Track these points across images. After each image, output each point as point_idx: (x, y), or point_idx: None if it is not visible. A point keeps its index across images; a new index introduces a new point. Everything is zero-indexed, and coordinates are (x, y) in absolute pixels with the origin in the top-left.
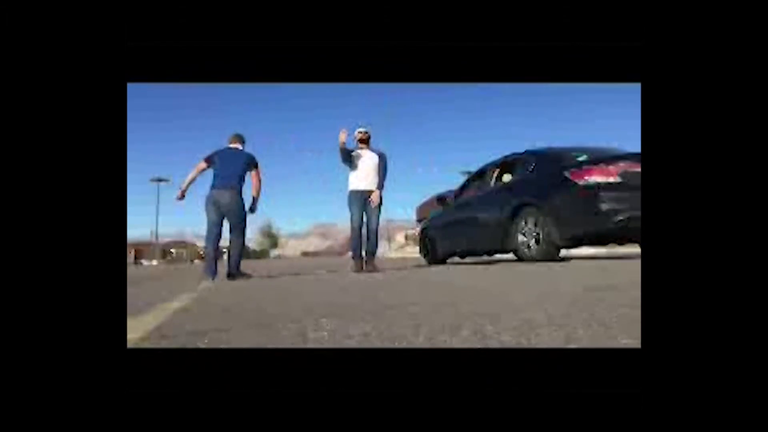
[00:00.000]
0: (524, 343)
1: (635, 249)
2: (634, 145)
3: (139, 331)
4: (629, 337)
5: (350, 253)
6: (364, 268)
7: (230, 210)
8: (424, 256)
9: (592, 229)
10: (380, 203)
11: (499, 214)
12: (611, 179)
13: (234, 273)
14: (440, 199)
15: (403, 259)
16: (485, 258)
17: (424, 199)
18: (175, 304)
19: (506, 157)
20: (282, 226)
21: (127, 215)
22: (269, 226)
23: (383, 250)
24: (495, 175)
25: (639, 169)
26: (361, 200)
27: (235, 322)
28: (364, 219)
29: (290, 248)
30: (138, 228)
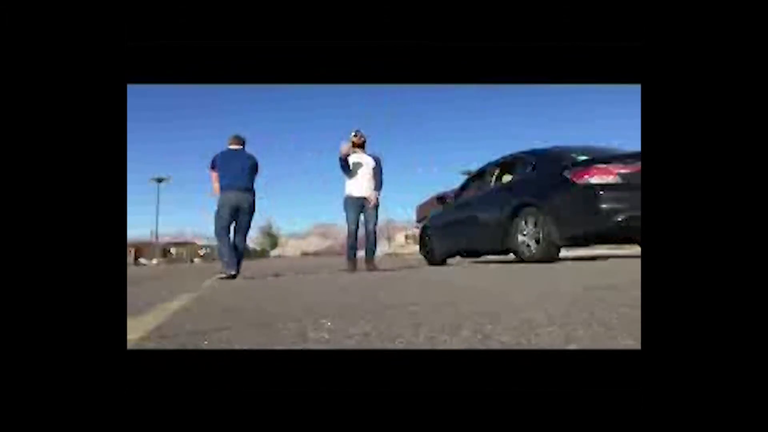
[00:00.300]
0: (524, 343)
1: (635, 249)
2: (634, 145)
3: (139, 331)
4: (629, 337)
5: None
6: (356, 268)
7: (245, 211)
8: (424, 256)
9: (592, 229)
10: (377, 205)
11: (499, 214)
12: (611, 179)
13: (234, 273)
14: (440, 199)
15: (403, 259)
16: (485, 258)
17: (424, 199)
18: (175, 304)
19: (506, 157)
20: (282, 226)
21: (127, 215)
22: (269, 226)
23: (383, 250)
24: (495, 175)
25: (639, 169)
26: (357, 204)
27: (236, 322)
28: (361, 221)
29: (290, 248)
30: (138, 228)
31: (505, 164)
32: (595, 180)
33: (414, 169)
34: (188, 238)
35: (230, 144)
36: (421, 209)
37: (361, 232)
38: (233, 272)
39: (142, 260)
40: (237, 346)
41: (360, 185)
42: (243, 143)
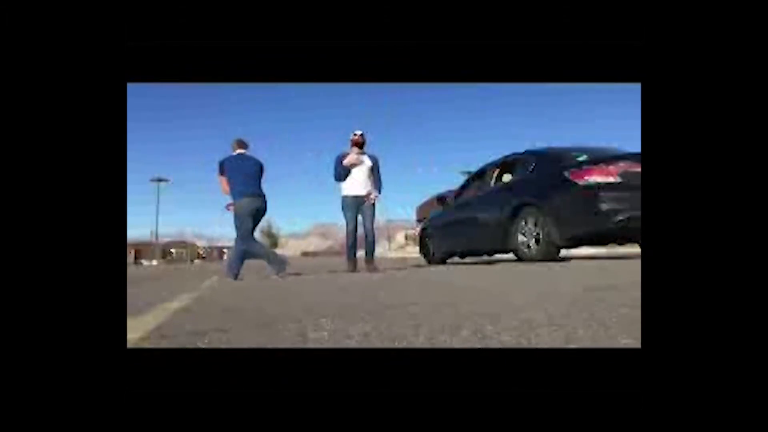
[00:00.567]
0: (524, 343)
1: (635, 249)
2: (634, 145)
3: (139, 331)
4: (629, 337)
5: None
6: (356, 268)
7: (260, 215)
8: (424, 256)
9: (592, 229)
10: (374, 206)
11: (499, 214)
12: (611, 179)
13: (236, 273)
14: (440, 199)
15: (403, 259)
16: (485, 258)
17: (424, 199)
18: (175, 304)
19: (506, 157)
20: (282, 226)
21: (127, 215)
22: (269, 226)
23: (383, 250)
24: (495, 175)
25: (639, 169)
26: (354, 204)
27: (235, 322)
28: (359, 221)
29: (290, 248)
30: (138, 228)
31: (505, 164)
32: (595, 180)
33: (414, 169)
34: (188, 238)
35: (236, 149)
36: (421, 209)
37: (360, 231)
38: (233, 278)
39: (142, 261)
40: (237, 346)
41: (357, 184)
42: (247, 147)
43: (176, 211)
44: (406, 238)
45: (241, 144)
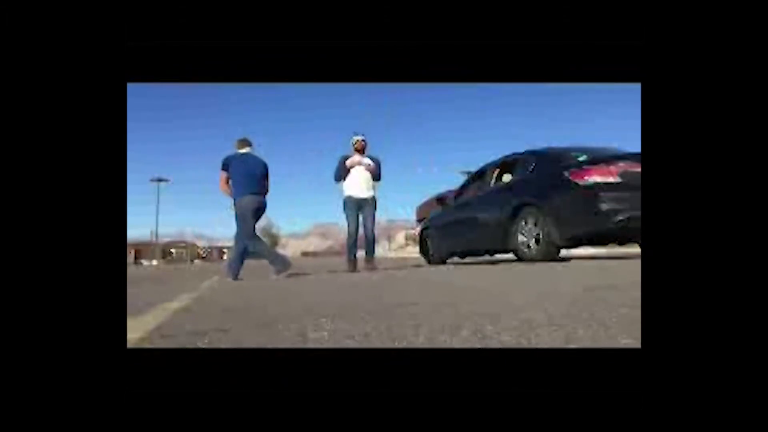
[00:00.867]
0: (524, 343)
1: (635, 249)
2: (634, 145)
3: (139, 331)
4: (629, 337)
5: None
6: (357, 268)
7: (261, 214)
8: (424, 256)
9: (592, 229)
10: (375, 208)
11: (499, 214)
12: (611, 179)
13: (236, 273)
14: (440, 199)
15: (403, 259)
16: (485, 258)
17: (424, 199)
18: (175, 304)
19: (506, 157)
20: (282, 226)
21: (127, 215)
22: (269, 226)
23: (383, 250)
24: (495, 175)
25: (639, 169)
26: (355, 205)
27: (235, 322)
28: (360, 222)
29: (290, 248)
30: (138, 228)
31: (505, 164)
32: (595, 180)
33: (414, 169)
34: (188, 238)
35: (240, 148)
36: (421, 209)
37: (361, 231)
38: (233, 278)
39: (142, 261)
40: (237, 346)
41: (358, 186)
42: (251, 145)
43: (176, 211)
44: (406, 238)
45: (246, 143)
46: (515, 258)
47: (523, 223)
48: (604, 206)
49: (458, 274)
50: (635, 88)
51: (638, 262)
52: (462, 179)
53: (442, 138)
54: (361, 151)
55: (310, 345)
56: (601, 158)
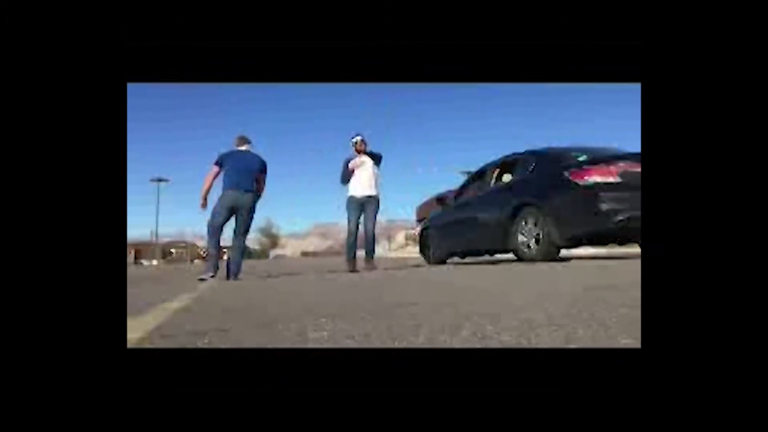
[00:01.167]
0: (524, 343)
1: (635, 249)
2: (634, 145)
3: (139, 331)
4: (629, 337)
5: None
6: (356, 268)
7: (244, 212)
8: (424, 256)
9: (592, 229)
10: (377, 208)
11: (499, 214)
12: (611, 179)
13: (236, 273)
14: (440, 199)
15: (404, 259)
16: (485, 258)
17: (424, 199)
18: (175, 304)
19: (506, 157)
20: (282, 226)
21: (127, 215)
22: (269, 226)
23: (383, 250)
24: (495, 175)
25: (639, 169)
26: (358, 205)
27: (235, 322)
28: (361, 222)
29: (290, 248)
30: (138, 228)
31: (505, 164)
32: (595, 180)
33: (414, 169)
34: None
35: (237, 144)
36: (421, 209)
37: (361, 230)
38: (211, 274)
39: (142, 261)
40: (237, 346)
41: (361, 185)
42: (250, 143)
43: (176, 211)
44: (406, 238)
45: (244, 140)
46: (515, 258)
47: (523, 223)
48: (604, 206)
49: (458, 274)
50: (635, 88)
51: (638, 262)
52: (462, 179)
53: (442, 138)
54: (362, 151)
55: (310, 345)
56: (601, 158)
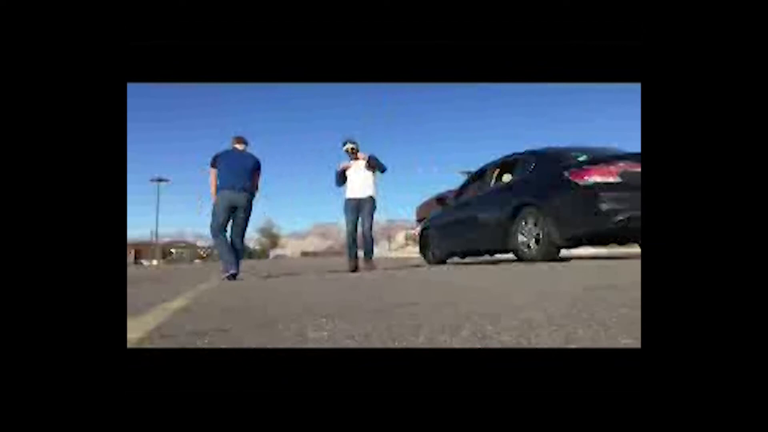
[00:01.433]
0: (524, 343)
1: (635, 249)
2: (634, 145)
3: (139, 331)
4: (629, 337)
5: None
6: (357, 268)
7: (241, 211)
8: (424, 257)
9: (592, 229)
10: (374, 208)
11: (499, 214)
12: (611, 179)
13: (235, 273)
14: (440, 199)
15: (404, 258)
16: (485, 258)
17: (424, 199)
18: (175, 304)
19: (506, 157)
20: (282, 226)
21: (127, 215)
22: (269, 226)
23: (383, 250)
24: (495, 175)
25: (639, 169)
26: (354, 207)
27: (235, 322)
28: (359, 222)
29: (290, 248)
30: (138, 228)
31: (505, 164)
32: (595, 180)
33: (414, 169)
34: (188, 238)
35: (234, 144)
36: (421, 209)
37: (360, 232)
38: (233, 271)
39: (142, 261)
40: (237, 346)
41: (356, 187)
42: (246, 144)
43: (176, 211)
44: (406, 238)
45: (240, 140)
46: (515, 258)
47: (523, 223)
48: (604, 206)
49: (458, 274)
50: (635, 88)
51: (638, 262)
52: (462, 179)
53: (442, 138)
54: (354, 154)
55: (310, 345)
56: (601, 158)
